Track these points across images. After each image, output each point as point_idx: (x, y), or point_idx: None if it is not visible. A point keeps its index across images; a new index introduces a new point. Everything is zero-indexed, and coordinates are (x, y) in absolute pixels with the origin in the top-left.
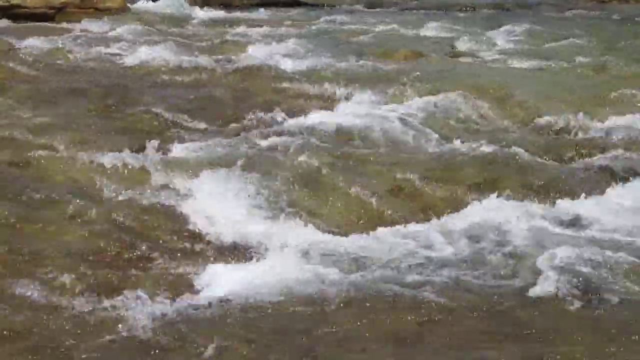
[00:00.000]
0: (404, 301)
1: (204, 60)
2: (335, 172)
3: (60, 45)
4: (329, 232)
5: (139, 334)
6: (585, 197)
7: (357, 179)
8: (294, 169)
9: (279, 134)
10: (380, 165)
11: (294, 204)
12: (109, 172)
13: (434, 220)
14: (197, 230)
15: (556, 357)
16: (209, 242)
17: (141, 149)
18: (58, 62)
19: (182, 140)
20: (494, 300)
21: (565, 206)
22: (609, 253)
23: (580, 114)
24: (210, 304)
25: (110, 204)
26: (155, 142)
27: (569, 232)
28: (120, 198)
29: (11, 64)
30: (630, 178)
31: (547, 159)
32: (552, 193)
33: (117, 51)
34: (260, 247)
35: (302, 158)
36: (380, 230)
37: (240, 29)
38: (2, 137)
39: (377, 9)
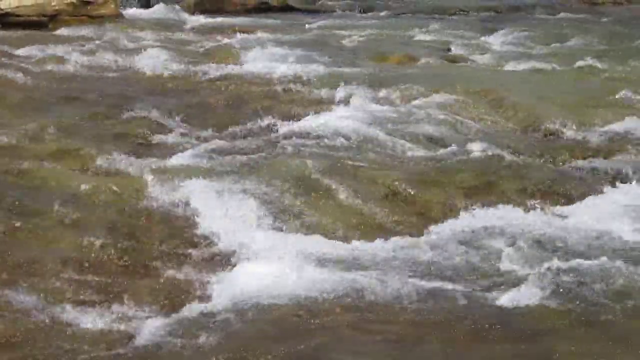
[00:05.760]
0: (400, 306)
1: (197, 66)
2: (331, 177)
3: (54, 53)
4: (325, 238)
5: (137, 342)
6: (581, 200)
7: (353, 184)
8: (289, 175)
9: (274, 139)
10: (375, 169)
11: (289, 210)
12: (104, 178)
13: (430, 225)
14: (193, 237)
15: None
16: (205, 249)
17: (136, 155)
18: (51, 69)
19: (177, 147)
20: (490, 305)
21: (561, 209)
22: (606, 256)
23: (575, 117)
24: (208, 311)
25: (106, 211)
26: (149, 149)
27: (565, 234)
28: (115, 205)
29: (4, 72)
30: (626, 180)
31: (543, 161)
32: (548, 196)
33: (111, 58)
34: (256, 253)
35: (297, 164)
36: (376, 235)
37: (234, 35)
38: None
39: (371, 14)
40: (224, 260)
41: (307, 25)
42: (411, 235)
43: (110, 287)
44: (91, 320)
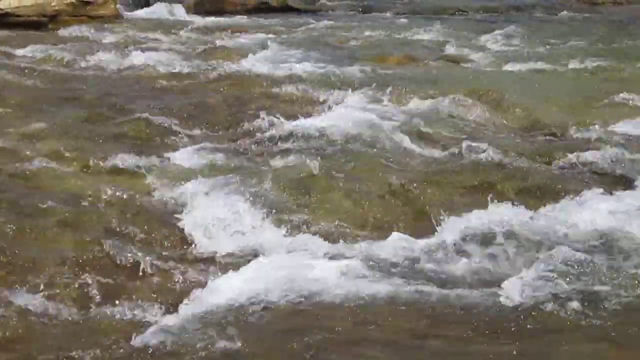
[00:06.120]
0: (399, 305)
1: (197, 66)
2: (330, 176)
3: (54, 53)
4: (323, 237)
5: (135, 341)
6: (580, 200)
7: (352, 184)
8: (289, 174)
9: (273, 139)
10: (374, 169)
11: (289, 209)
12: (103, 179)
13: (429, 224)
14: (192, 237)
15: None
16: (204, 249)
17: (135, 156)
18: (51, 69)
19: (176, 147)
20: (489, 304)
21: (560, 209)
22: (606, 256)
23: (575, 117)
24: (206, 310)
25: (105, 212)
26: (149, 149)
27: (563, 235)
28: (114, 205)
29: (4, 72)
30: (625, 181)
31: (542, 162)
32: (547, 196)
33: (110, 58)
34: (255, 252)
35: (296, 163)
36: (375, 234)
37: (234, 35)
38: None
39: (371, 14)
40: (223, 260)
41: (306, 26)
42: (410, 234)
43: (109, 287)
44: (90, 320)
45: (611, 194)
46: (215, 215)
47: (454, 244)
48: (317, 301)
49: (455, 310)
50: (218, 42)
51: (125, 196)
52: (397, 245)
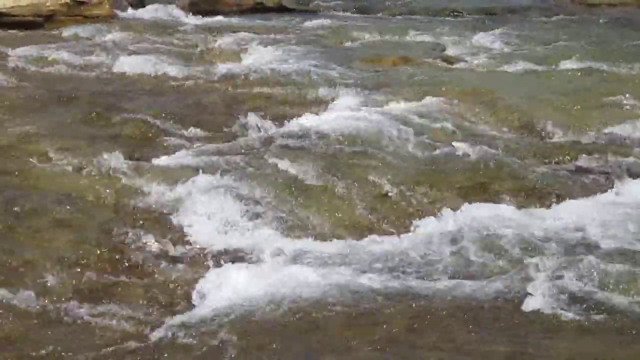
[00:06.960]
0: (394, 306)
1: (192, 67)
2: (325, 177)
3: (49, 53)
4: (318, 238)
5: (130, 341)
6: (575, 201)
7: (346, 185)
8: (283, 175)
9: (268, 140)
10: (369, 170)
11: (283, 210)
12: (98, 179)
13: (424, 225)
14: (186, 237)
15: None
16: (198, 249)
17: (130, 156)
18: (46, 69)
19: (171, 147)
20: (484, 306)
21: (555, 210)
22: (598, 257)
23: (569, 118)
24: (200, 311)
25: (100, 211)
26: (145, 149)
27: (558, 236)
28: (110, 205)
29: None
30: (620, 181)
31: (536, 163)
32: (542, 197)
33: (106, 58)
34: (249, 253)
35: (291, 164)
36: (370, 235)
37: (229, 35)
38: None
39: (366, 15)
40: (217, 261)
41: (302, 26)
42: (405, 235)
43: (105, 287)
44: (85, 320)
45: (606, 194)
46: (211, 215)
47: (449, 245)
48: (313, 300)
49: (451, 309)
50: (213, 43)
51: (121, 196)
52: (391, 245)
